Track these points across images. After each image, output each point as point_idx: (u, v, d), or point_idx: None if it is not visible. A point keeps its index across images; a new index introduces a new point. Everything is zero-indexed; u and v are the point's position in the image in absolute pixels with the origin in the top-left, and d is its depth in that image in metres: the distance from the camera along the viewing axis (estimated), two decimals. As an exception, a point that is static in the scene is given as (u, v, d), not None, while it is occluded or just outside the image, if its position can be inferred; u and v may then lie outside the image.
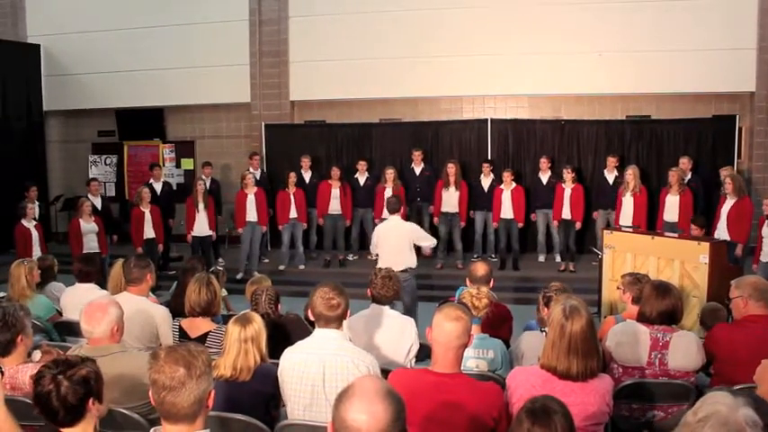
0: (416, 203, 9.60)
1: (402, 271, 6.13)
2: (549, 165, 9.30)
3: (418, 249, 6.54)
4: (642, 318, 3.50)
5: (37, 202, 8.97)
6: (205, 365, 2.00)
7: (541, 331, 3.62)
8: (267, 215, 9.40)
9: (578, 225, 8.99)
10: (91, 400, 2.21)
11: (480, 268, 4.60)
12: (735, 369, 2.93)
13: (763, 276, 6.43)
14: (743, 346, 2.87)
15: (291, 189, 9.30)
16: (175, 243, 9.97)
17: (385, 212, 9.27)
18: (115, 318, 2.99)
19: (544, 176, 9.31)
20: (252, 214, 9.14)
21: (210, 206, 9.15)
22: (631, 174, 8.44)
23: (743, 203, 7.48)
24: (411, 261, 6.31)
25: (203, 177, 9.76)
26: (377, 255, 6.48)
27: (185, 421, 1.99)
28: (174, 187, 10.59)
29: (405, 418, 1.68)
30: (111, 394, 2.52)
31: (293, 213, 9.30)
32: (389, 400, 1.66)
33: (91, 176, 10.70)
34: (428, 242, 6.52)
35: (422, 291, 7.03)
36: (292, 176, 9.33)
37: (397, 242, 6.26)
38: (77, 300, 4.30)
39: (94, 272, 4.86)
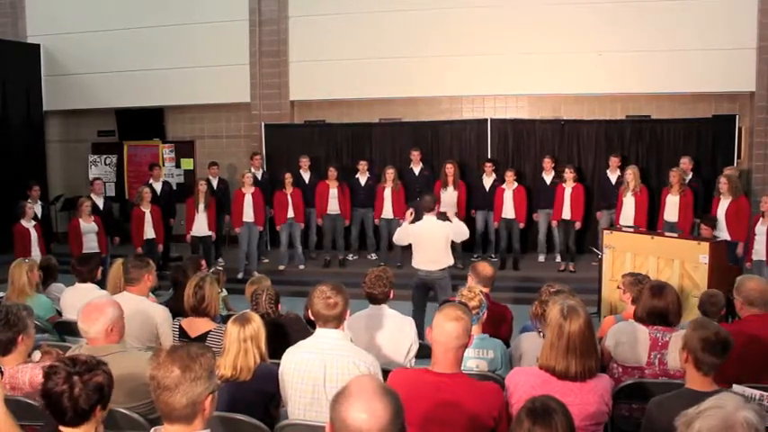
0: (416, 203, 9.59)
1: (440, 270, 6.20)
2: (553, 165, 9.30)
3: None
4: (634, 317, 3.54)
5: (40, 202, 8.97)
6: (203, 369, 2.00)
7: (538, 331, 3.62)
8: (264, 216, 9.40)
9: (578, 225, 8.99)
10: (99, 407, 2.21)
11: (489, 268, 4.62)
12: (731, 367, 2.95)
13: (756, 273, 6.50)
14: (738, 344, 2.90)
15: (288, 189, 9.30)
16: (175, 243, 9.97)
17: (386, 212, 9.42)
18: (111, 318, 2.98)
19: (547, 177, 9.31)
20: (249, 214, 9.14)
21: (211, 206, 9.15)
22: (631, 174, 8.45)
23: (740, 202, 7.50)
24: (449, 260, 6.28)
25: (210, 177, 9.76)
26: (397, 244, 6.54)
27: (181, 421, 2.00)
28: (174, 187, 10.59)
29: (403, 416, 1.69)
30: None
31: (290, 213, 9.31)
32: (388, 397, 1.66)
33: (93, 176, 10.70)
34: (464, 237, 6.47)
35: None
36: (288, 177, 9.32)
37: (434, 243, 6.20)
38: (77, 300, 4.30)
39: (89, 272, 4.86)
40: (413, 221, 6.34)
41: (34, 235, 8.03)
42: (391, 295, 4.05)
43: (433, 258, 6.20)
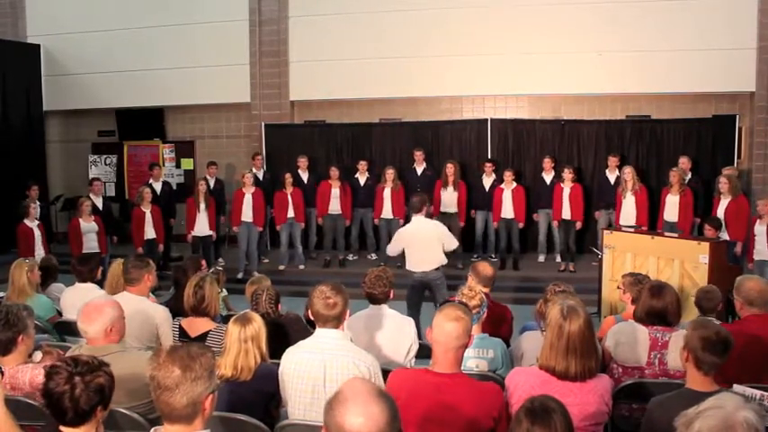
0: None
1: (435, 269, 6.17)
2: (553, 165, 9.31)
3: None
4: (634, 317, 3.55)
5: (38, 202, 8.97)
6: (203, 369, 2.00)
7: (541, 330, 3.61)
8: (264, 216, 9.39)
9: (579, 225, 8.99)
10: (99, 407, 2.21)
11: (489, 268, 4.62)
12: (732, 367, 2.96)
13: (758, 273, 6.50)
14: (738, 344, 2.91)
15: (289, 189, 9.30)
16: (176, 243, 9.98)
17: (386, 212, 9.42)
18: (110, 318, 2.98)
19: (547, 176, 9.31)
20: (248, 214, 9.14)
21: (211, 206, 9.15)
22: (629, 173, 8.48)
23: (740, 202, 7.51)
24: (442, 258, 6.21)
25: (207, 177, 9.76)
26: (393, 255, 6.49)
27: (181, 422, 2.00)
28: (174, 187, 10.59)
29: (399, 419, 1.68)
30: (110, 394, 2.52)
31: (291, 213, 9.31)
32: (383, 400, 1.66)
33: (92, 176, 10.70)
34: (453, 245, 6.34)
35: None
36: (288, 177, 9.32)
37: (427, 242, 6.13)
38: (77, 300, 4.30)
39: (89, 271, 4.86)
40: (404, 223, 6.30)
41: (38, 234, 8.02)
42: (391, 295, 4.05)
43: (428, 258, 6.16)
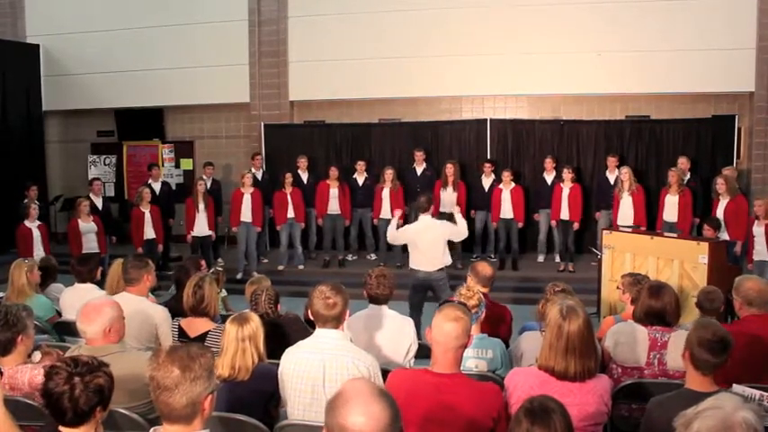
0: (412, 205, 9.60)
1: (438, 270, 6.17)
2: (554, 165, 9.31)
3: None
4: (633, 317, 3.55)
5: (38, 202, 8.97)
6: (203, 369, 2.00)
7: (541, 331, 3.61)
8: (262, 216, 9.38)
9: (576, 225, 8.99)
10: (99, 408, 2.21)
11: (489, 268, 4.62)
12: (731, 367, 2.95)
13: (758, 273, 6.50)
14: (738, 344, 2.91)
15: (288, 189, 9.30)
16: (175, 243, 9.98)
17: (384, 212, 9.41)
18: (109, 318, 2.98)
19: (549, 177, 9.32)
20: (247, 214, 9.13)
21: (210, 206, 9.15)
22: (626, 173, 8.50)
23: (738, 202, 7.52)
24: (447, 259, 6.24)
25: (204, 177, 9.76)
26: (392, 243, 6.56)
27: (180, 422, 2.00)
28: (174, 187, 10.59)
29: (401, 419, 1.68)
30: (110, 394, 2.52)
31: (290, 213, 9.31)
32: (385, 399, 1.66)
33: (92, 176, 10.70)
34: (461, 237, 6.43)
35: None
36: (288, 177, 9.32)
37: (433, 243, 6.14)
38: (76, 300, 4.29)
39: (88, 272, 4.85)
40: (405, 223, 6.30)
41: (37, 234, 8.00)
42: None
43: (431, 259, 6.16)
